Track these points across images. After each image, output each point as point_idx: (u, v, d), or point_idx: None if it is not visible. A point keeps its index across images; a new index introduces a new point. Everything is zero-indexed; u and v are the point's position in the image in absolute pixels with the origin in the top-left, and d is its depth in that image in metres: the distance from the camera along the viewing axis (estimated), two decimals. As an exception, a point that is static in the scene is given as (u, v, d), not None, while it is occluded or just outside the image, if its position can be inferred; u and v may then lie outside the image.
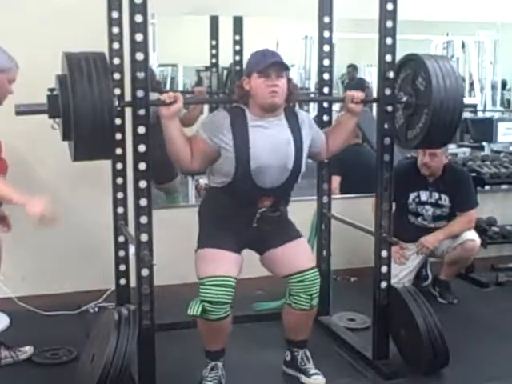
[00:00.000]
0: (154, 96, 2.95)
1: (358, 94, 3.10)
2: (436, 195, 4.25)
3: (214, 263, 2.95)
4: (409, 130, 3.19)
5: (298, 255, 3.09)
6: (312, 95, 5.56)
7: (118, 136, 3.33)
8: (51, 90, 2.73)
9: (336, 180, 4.05)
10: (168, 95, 2.81)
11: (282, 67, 2.90)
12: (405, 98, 3.15)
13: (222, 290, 2.90)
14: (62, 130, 2.72)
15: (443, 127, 3.04)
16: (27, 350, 3.43)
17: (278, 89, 2.87)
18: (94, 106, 2.57)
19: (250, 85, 2.91)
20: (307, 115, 3.17)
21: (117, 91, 3.17)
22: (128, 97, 2.99)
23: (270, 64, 2.86)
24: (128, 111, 3.04)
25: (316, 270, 3.12)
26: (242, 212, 2.98)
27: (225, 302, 2.92)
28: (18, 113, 2.72)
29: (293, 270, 3.06)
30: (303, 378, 3.19)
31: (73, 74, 2.58)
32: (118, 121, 3.28)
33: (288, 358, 3.27)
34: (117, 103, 2.82)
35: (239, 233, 3.01)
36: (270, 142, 2.92)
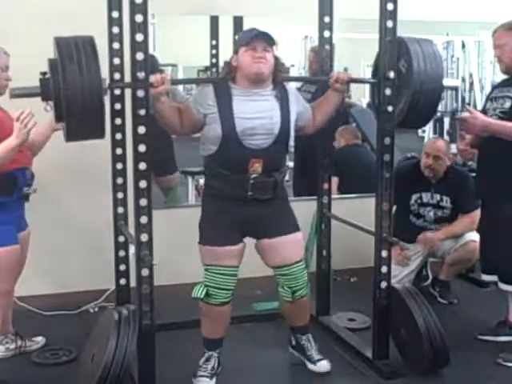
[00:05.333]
0: None
1: (344, 76, 3.14)
2: (438, 197, 4.25)
3: (217, 257, 3.05)
4: None
5: (288, 249, 3.15)
6: (311, 95, 5.56)
7: (118, 136, 3.34)
8: (43, 73, 2.76)
9: (334, 181, 4.05)
10: (156, 78, 2.85)
11: (268, 41, 2.96)
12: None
13: (226, 278, 3.06)
14: (54, 111, 2.77)
15: (422, 109, 3.11)
16: (40, 341, 3.50)
17: (263, 60, 2.94)
18: (83, 87, 2.62)
19: (238, 60, 2.99)
20: (294, 89, 3.24)
21: (117, 91, 3.18)
22: (128, 96, 2.99)
23: (255, 36, 2.94)
24: (128, 111, 3.04)
25: (301, 263, 3.19)
26: (236, 180, 3.01)
27: (228, 289, 3.07)
28: (13, 95, 2.77)
29: (279, 263, 3.16)
30: (309, 366, 3.30)
31: (63, 57, 2.63)
32: (118, 121, 3.30)
33: (293, 343, 3.38)
34: (107, 84, 2.86)
35: (237, 214, 3.05)
36: (253, 109, 2.99)
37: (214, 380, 3.14)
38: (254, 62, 2.94)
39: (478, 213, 3.88)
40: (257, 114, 2.99)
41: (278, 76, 3.07)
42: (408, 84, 3.06)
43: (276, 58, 3.02)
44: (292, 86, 3.19)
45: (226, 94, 3.01)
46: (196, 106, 3.02)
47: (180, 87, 5.22)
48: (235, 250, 3.08)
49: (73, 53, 2.63)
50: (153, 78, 2.84)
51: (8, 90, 2.93)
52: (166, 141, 4.29)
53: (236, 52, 3.01)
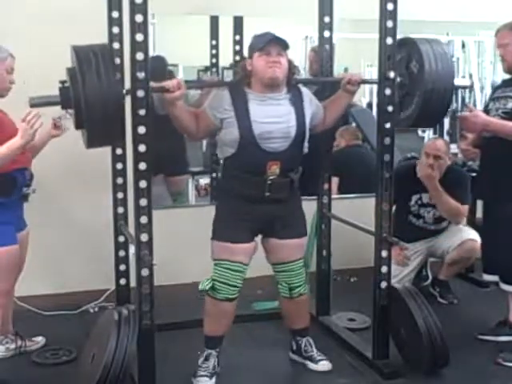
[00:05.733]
0: None
1: (356, 78, 3.19)
2: (437, 197, 4.24)
3: (228, 253, 3.09)
4: (401, 110, 3.27)
5: (292, 250, 3.22)
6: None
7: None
8: (62, 82, 2.78)
9: (334, 181, 4.05)
10: (172, 83, 2.88)
11: (282, 45, 2.99)
12: (399, 79, 3.22)
13: (234, 274, 3.09)
14: (74, 119, 2.79)
15: (434, 110, 3.16)
16: (40, 341, 3.51)
17: (278, 64, 2.98)
18: (102, 96, 2.65)
19: (252, 65, 3.02)
20: (308, 90, 3.29)
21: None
22: (128, 97, 2.98)
23: (270, 41, 2.97)
24: (128, 111, 3.04)
25: (300, 260, 3.25)
26: (253, 181, 3.06)
27: (234, 285, 3.10)
28: (33, 105, 2.78)
29: (278, 260, 3.23)
30: (310, 365, 3.33)
31: (81, 65, 2.66)
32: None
33: (294, 347, 3.39)
34: (124, 91, 2.86)
35: (252, 213, 3.09)
36: (269, 113, 3.02)
37: (214, 379, 3.14)
38: (268, 67, 2.97)
39: (466, 208, 4.07)
40: (273, 118, 3.02)
41: (292, 79, 3.11)
42: (420, 84, 3.10)
43: (289, 62, 3.06)
44: (305, 88, 3.23)
45: (242, 98, 3.03)
46: (212, 111, 3.05)
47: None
48: (247, 247, 3.12)
49: (91, 61, 2.66)
50: (169, 84, 2.87)
51: (28, 98, 2.93)
52: (178, 140, 4.26)
53: (250, 57, 3.04)
